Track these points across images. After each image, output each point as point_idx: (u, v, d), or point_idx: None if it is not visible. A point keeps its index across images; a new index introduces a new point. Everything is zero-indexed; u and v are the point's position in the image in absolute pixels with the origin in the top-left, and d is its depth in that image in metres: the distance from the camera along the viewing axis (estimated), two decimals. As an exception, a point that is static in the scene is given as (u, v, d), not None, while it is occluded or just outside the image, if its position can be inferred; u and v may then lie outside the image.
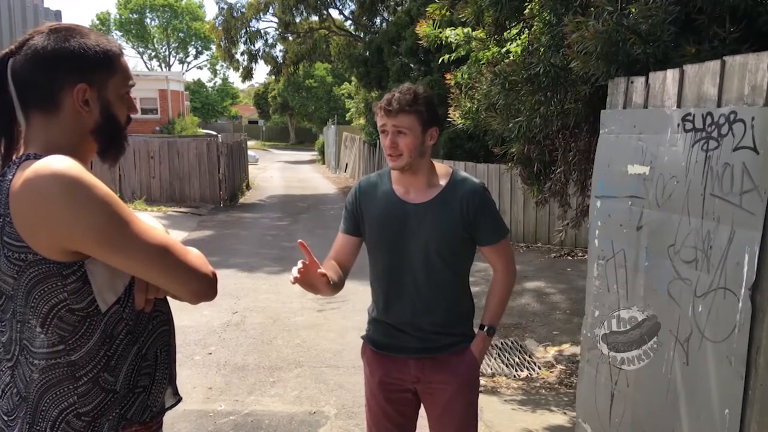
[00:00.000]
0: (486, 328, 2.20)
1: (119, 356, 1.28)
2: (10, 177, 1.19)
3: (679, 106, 2.12)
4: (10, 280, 1.21)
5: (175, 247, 1.27)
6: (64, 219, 1.15)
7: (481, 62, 4.32)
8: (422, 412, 2.26)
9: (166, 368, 1.39)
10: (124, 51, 1.37)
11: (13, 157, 1.26)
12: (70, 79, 1.26)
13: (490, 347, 5.10)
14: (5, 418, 1.28)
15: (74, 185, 1.15)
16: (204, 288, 1.32)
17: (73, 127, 1.28)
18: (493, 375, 4.60)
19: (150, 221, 1.31)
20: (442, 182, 2.10)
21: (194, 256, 1.31)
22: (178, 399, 1.46)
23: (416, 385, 2.17)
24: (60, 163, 1.16)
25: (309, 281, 1.90)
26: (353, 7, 18.05)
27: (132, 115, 1.40)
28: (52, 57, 1.25)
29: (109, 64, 1.31)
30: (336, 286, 2.06)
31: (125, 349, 1.29)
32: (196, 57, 59.45)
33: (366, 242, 2.19)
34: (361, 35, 18.48)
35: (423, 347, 2.12)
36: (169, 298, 1.40)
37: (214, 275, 1.34)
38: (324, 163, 30.02)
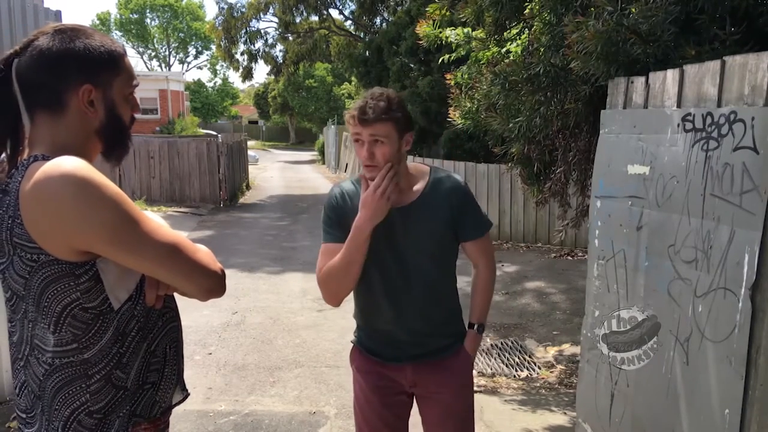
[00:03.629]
0: (476, 326, 2.17)
1: (131, 353, 1.30)
2: (19, 179, 1.20)
3: (679, 106, 2.12)
4: (21, 280, 1.22)
5: (184, 245, 1.29)
6: (74, 219, 1.16)
7: (481, 62, 4.32)
8: (414, 414, 2.22)
9: (174, 364, 1.41)
10: (127, 51, 1.38)
11: (20, 159, 1.27)
12: (76, 80, 1.27)
13: (490, 347, 5.11)
14: (23, 416, 1.31)
15: (84, 185, 1.16)
16: (213, 284, 1.34)
17: (78, 127, 1.29)
18: (493, 375, 4.60)
19: (158, 220, 1.32)
20: (422, 182, 2.05)
21: (203, 253, 1.33)
22: (186, 394, 1.47)
23: (413, 389, 2.14)
24: (69, 164, 1.17)
25: (384, 203, 1.88)
26: (353, 7, 18.07)
27: (135, 115, 1.41)
28: (57, 58, 1.25)
29: (114, 64, 1.32)
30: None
31: (137, 346, 1.31)
32: (196, 57, 59.50)
33: None
34: (361, 35, 18.49)
35: (420, 353, 2.08)
36: (175, 295, 1.41)
37: (223, 272, 1.37)
38: (324, 164, 30.00)
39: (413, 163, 2.12)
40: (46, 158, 1.20)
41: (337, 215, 2.05)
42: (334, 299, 2.05)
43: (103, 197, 1.17)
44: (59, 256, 1.19)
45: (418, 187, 2.04)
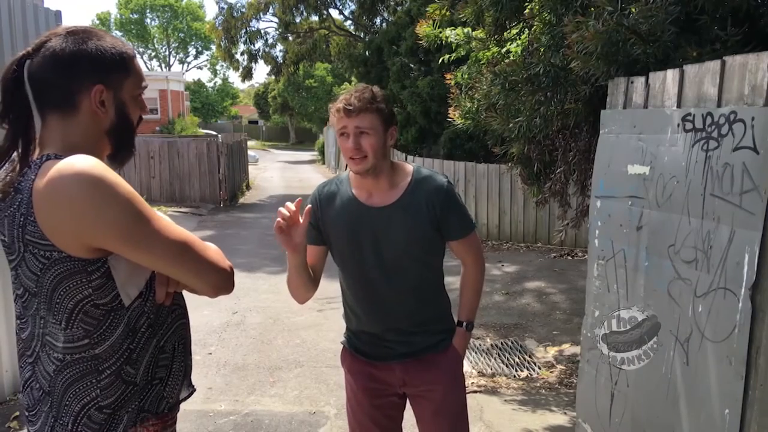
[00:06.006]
0: (465, 324, 2.16)
1: (141, 349, 1.32)
2: (32, 177, 1.22)
3: (679, 106, 2.12)
4: (34, 277, 1.24)
5: (194, 243, 1.32)
6: (88, 217, 1.18)
7: (481, 62, 4.32)
8: (408, 414, 2.22)
9: (182, 360, 1.43)
10: (137, 54, 1.40)
11: (31, 158, 1.28)
12: (88, 81, 1.28)
13: (490, 347, 5.11)
14: (26, 414, 1.32)
15: (97, 184, 1.18)
16: (222, 281, 1.37)
17: (89, 127, 1.31)
18: (493, 375, 4.60)
19: (168, 220, 1.34)
20: (405, 182, 2.02)
21: (212, 251, 1.36)
22: (192, 390, 1.49)
23: (403, 389, 2.14)
24: (83, 163, 1.19)
25: (292, 237, 1.90)
26: (353, 7, 18.04)
27: (143, 116, 1.43)
28: (70, 58, 1.27)
29: (125, 66, 1.34)
30: (313, 282, 2.09)
31: (146, 342, 1.33)
32: (196, 57, 59.57)
33: (332, 253, 2.11)
34: (361, 35, 18.47)
35: (407, 351, 2.08)
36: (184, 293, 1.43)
37: (232, 269, 1.40)
38: (324, 163, 30.00)
39: (398, 161, 2.11)
40: (58, 157, 1.22)
41: (314, 218, 2.08)
42: (295, 299, 2.16)
43: (116, 195, 1.19)
44: (72, 253, 1.21)
45: (400, 187, 2.03)
